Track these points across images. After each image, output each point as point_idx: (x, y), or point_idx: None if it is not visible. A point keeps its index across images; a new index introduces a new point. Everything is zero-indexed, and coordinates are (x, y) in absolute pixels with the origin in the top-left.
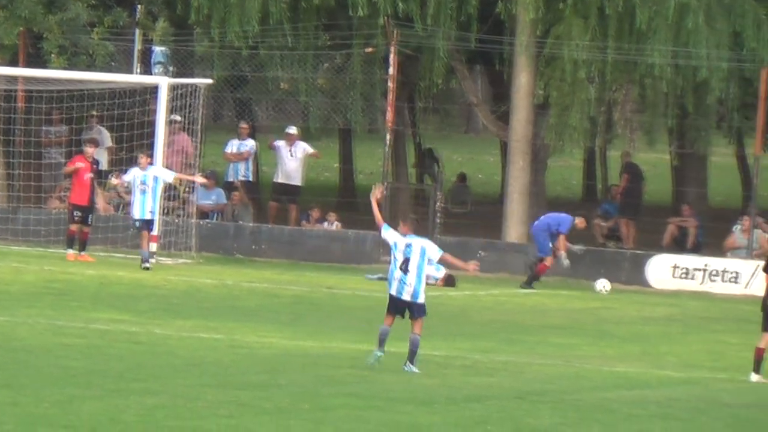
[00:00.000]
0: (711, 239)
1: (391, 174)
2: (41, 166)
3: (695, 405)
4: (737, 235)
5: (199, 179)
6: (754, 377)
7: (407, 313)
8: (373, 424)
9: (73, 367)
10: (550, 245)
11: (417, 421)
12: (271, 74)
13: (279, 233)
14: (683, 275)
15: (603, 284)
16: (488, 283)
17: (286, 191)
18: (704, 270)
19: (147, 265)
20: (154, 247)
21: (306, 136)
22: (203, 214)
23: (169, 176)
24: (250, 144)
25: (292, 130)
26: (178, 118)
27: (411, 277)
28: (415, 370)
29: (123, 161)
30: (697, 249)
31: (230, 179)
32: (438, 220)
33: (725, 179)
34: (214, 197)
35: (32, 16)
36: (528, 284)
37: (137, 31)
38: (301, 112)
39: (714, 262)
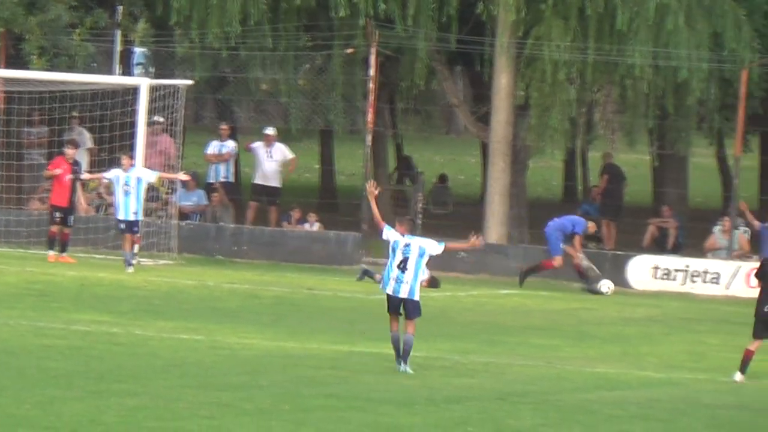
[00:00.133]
0: (691, 240)
1: (371, 175)
2: (22, 168)
3: (676, 406)
4: (717, 236)
5: (182, 176)
6: (738, 377)
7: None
8: (354, 424)
9: (54, 369)
10: (562, 246)
11: (397, 422)
12: (251, 75)
13: (260, 234)
14: (664, 276)
15: (608, 285)
16: (469, 284)
17: (266, 192)
18: (685, 271)
19: (131, 269)
20: (137, 248)
21: (287, 137)
22: (184, 215)
23: (152, 176)
24: (230, 145)
25: (270, 131)
26: (160, 119)
27: (408, 275)
28: (409, 370)
29: (105, 162)
30: (677, 250)
31: (211, 180)
32: (419, 221)
33: (705, 180)
34: (195, 198)
35: (13, 17)
36: (525, 274)
37: (118, 32)
38: (281, 113)
39: (694, 263)
